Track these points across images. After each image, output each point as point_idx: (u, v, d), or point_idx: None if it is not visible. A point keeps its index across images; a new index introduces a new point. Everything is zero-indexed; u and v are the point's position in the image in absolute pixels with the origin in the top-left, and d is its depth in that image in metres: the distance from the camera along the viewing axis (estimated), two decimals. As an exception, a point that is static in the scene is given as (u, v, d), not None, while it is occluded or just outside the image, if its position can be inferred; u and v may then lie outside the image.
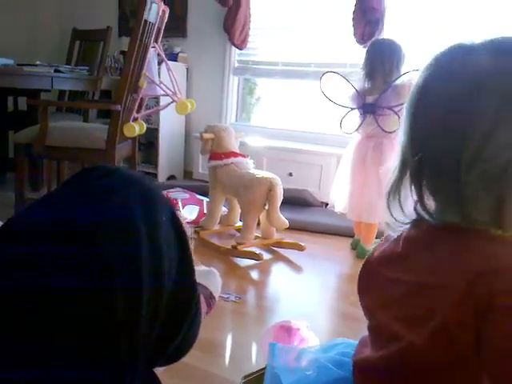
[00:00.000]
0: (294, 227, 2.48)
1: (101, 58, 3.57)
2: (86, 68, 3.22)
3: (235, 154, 2.43)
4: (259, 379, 0.90)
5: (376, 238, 2.34)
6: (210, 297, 0.92)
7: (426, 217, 0.60)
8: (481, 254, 0.55)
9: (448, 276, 0.56)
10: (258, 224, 2.34)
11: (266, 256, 2.28)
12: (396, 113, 2.06)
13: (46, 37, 4.14)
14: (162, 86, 2.59)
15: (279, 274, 2.16)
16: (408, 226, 0.65)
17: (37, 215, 0.51)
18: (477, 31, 2.75)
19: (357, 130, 2.22)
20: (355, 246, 2.42)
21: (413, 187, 0.61)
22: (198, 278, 0.95)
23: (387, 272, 0.66)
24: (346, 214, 2.31)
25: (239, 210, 2.44)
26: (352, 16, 2.97)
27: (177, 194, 2.80)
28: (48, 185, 3.11)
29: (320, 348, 0.82)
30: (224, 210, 2.59)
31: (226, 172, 2.37)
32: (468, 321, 0.53)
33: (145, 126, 2.68)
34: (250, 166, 2.41)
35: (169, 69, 2.62)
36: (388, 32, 2.96)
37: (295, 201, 3.01)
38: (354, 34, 2.98)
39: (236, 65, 3.70)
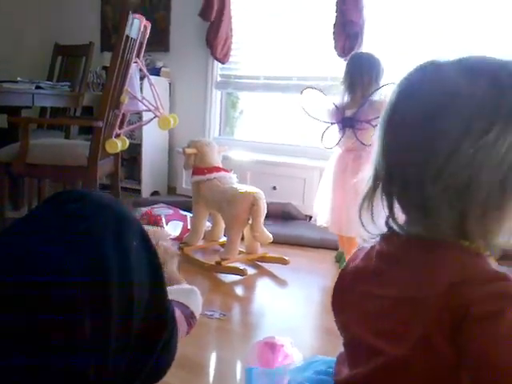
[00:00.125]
0: (278, 241, 2.47)
1: (83, 74, 3.56)
2: (68, 84, 3.20)
3: (218, 169, 2.43)
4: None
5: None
6: (190, 316, 0.91)
7: (397, 230, 0.61)
8: (453, 266, 0.56)
9: (423, 289, 0.57)
10: (242, 239, 2.33)
11: (251, 271, 2.27)
12: (373, 126, 2.09)
13: (27, 52, 4.11)
14: (144, 101, 2.59)
15: (264, 289, 2.15)
16: (379, 238, 0.66)
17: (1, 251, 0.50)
18: (453, 44, 2.82)
19: (337, 144, 2.24)
20: (339, 259, 2.42)
21: (384, 201, 0.63)
22: (179, 297, 0.94)
23: (362, 287, 0.66)
24: (328, 228, 2.32)
25: (223, 225, 2.43)
26: (332, 30, 3.01)
27: (160, 210, 2.78)
28: (29, 203, 3.07)
29: (297, 368, 0.82)
30: (208, 225, 2.58)
31: (210, 187, 2.37)
32: (447, 332, 0.53)
33: (127, 141, 2.67)
34: (233, 180, 2.41)
35: (151, 84, 2.62)
36: (368, 45, 3.01)
37: (279, 214, 3.01)
38: (335, 48, 3.02)
39: (218, 79, 3.72)
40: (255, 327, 1.76)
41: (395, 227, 0.61)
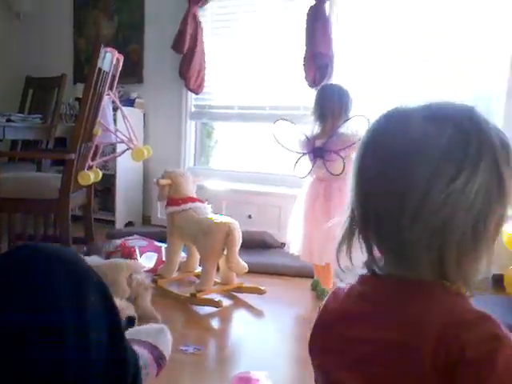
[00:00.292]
0: (254, 270, 2.46)
1: (55, 106, 3.54)
2: (40, 116, 3.17)
3: (193, 199, 2.42)
4: None
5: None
6: (159, 357, 0.89)
7: (378, 272, 0.62)
8: (441, 308, 0.57)
9: (413, 333, 0.56)
10: (218, 269, 2.31)
11: (226, 302, 2.24)
12: (341, 157, 2.13)
13: (-2, 85, 4.08)
14: (117, 133, 2.59)
15: (239, 320, 2.12)
16: (358, 279, 0.66)
17: None
18: (420, 79, 2.92)
19: (309, 173, 2.27)
20: (315, 287, 2.42)
21: (362, 244, 0.64)
22: (148, 337, 0.92)
23: (346, 331, 0.64)
24: (300, 256, 2.33)
25: (198, 256, 2.41)
26: (303, 61, 3.08)
27: (134, 242, 2.74)
28: (-1, 236, 2.98)
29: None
30: (183, 255, 2.55)
31: (184, 218, 2.35)
32: (440, 376, 0.53)
33: (100, 173, 2.65)
34: (207, 210, 2.40)
35: (124, 116, 2.62)
36: (337, 76, 3.09)
37: (255, 243, 3.00)
38: (306, 78, 3.09)
39: (193, 109, 3.75)
40: (231, 361, 1.73)
41: (376, 270, 0.62)
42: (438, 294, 0.58)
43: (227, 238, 2.18)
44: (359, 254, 0.65)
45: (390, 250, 0.61)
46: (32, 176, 2.76)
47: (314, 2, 3.03)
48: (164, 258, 2.60)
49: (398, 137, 0.59)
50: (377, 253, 0.63)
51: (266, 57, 3.39)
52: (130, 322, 1.89)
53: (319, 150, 2.20)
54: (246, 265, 2.23)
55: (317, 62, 3.01)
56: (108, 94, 2.51)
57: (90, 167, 2.58)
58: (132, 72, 3.74)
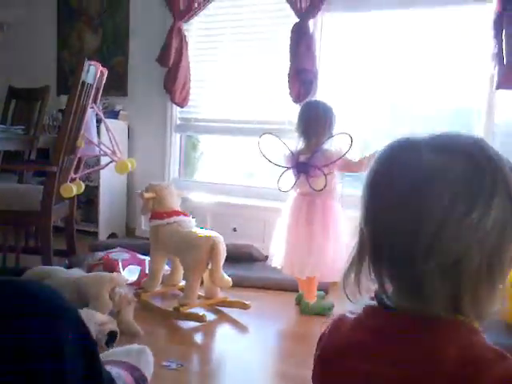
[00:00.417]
0: (238, 284, 2.44)
1: (38, 117, 3.50)
2: (22, 127, 3.13)
3: (177, 213, 2.41)
4: None
5: (318, 290, 2.37)
6: (140, 378, 0.87)
7: (390, 304, 0.61)
8: (460, 344, 0.56)
9: (430, 367, 0.55)
10: (202, 283, 2.30)
11: (210, 316, 2.22)
12: (324, 173, 2.15)
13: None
14: (101, 146, 2.57)
15: (223, 335, 2.11)
16: (365, 310, 0.64)
17: None
18: (404, 93, 2.97)
19: (292, 188, 2.29)
20: (299, 301, 2.42)
21: (372, 275, 0.62)
22: (129, 358, 0.91)
23: (355, 364, 0.62)
24: (282, 270, 2.33)
25: (182, 270, 2.39)
26: (287, 77, 3.12)
27: (117, 255, 2.71)
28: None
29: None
30: (167, 268, 2.53)
31: (169, 231, 2.33)
32: None
33: (83, 186, 2.62)
34: (192, 224, 2.39)
35: (107, 128, 2.61)
36: (321, 92, 3.13)
37: (240, 256, 2.99)
38: (290, 94, 3.12)
39: (178, 122, 3.75)
40: (213, 378, 1.71)
41: (387, 302, 0.61)
42: (454, 329, 0.57)
43: (211, 252, 2.17)
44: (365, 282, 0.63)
45: (403, 283, 0.59)
46: (13, 187, 2.72)
47: (298, 20, 3.08)
48: (147, 271, 2.57)
49: (410, 168, 0.58)
50: (387, 284, 0.61)
51: (250, 71, 3.41)
52: (112, 336, 1.87)
53: (303, 165, 2.22)
54: (230, 279, 2.22)
55: (301, 78, 3.04)
56: (92, 107, 2.50)
57: (73, 179, 2.56)
58: (116, 84, 3.73)
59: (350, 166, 2.24)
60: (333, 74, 3.17)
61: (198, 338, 2.07)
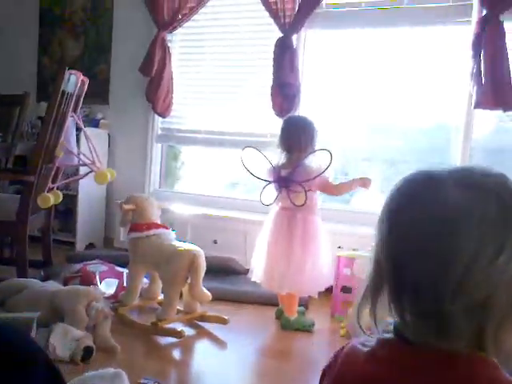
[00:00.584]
0: (218, 297, 2.42)
1: (17, 124, 3.43)
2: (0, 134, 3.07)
3: (157, 225, 2.37)
4: None
5: (299, 305, 2.36)
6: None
7: (410, 338, 0.60)
8: (488, 378, 0.55)
9: None
10: (180, 296, 2.26)
11: (189, 332, 2.19)
12: (304, 188, 2.15)
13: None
14: (80, 155, 2.53)
15: (202, 351, 2.08)
16: (381, 342, 0.63)
17: None
18: (387, 110, 3.01)
19: (274, 201, 2.29)
20: (279, 316, 2.41)
21: (392, 305, 0.61)
22: (103, 383, 0.88)
23: None
24: (261, 283, 2.32)
25: (161, 283, 2.35)
26: (270, 90, 3.12)
27: (95, 267, 2.66)
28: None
29: None
30: (145, 281, 2.49)
31: (148, 244, 2.30)
32: None
33: (61, 195, 2.57)
34: (172, 237, 2.36)
35: (87, 138, 2.57)
36: (304, 106, 3.15)
37: (220, 269, 2.97)
38: (273, 107, 3.13)
39: (159, 132, 3.72)
40: (192, 395, 1.68)
41: (409, 336, 0.60)
42: (478, 366, 0.57)
43: (191, 266, 2.15)
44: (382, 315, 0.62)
45: (427, 318, 0.58)
46: (-12, 197, 2.66)
47: (281, 34, 3.10)
48: (125, 284, 2.53)
49: (435, 206, 0.57)
50: (408, 318, 0.60)
51: (233, 84, 3.42)
52: (88, 352, 1.82)
53: (284, 180, 2.22)
54: (209, 294, 2.19)
55: (284, 92, 3.06)
56: (72, 116, 2.46)
57: (51, 189, 2.50)
58: (98, 93, 3.69)
59: (328, 188, 2.25)
60: (315, 88, 3.20)
61: (176, 354, 2.03)
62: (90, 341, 1.88)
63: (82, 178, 2.89)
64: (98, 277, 2.56)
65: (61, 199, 2.60)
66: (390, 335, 0.62)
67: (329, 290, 2.39)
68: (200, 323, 2.29)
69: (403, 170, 3.38)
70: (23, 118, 3.46)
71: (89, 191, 3.57)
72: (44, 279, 2.49)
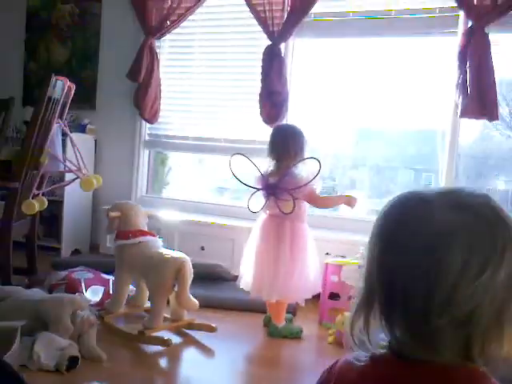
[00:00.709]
0: (206, 304, 2.41)
1: (2, 128, 3.39)
2: (-17, 139, 3.02)
3: (143, 233, 2.35)
4: None
5: (286, 312, 2.36)
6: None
7: (402, 353, 0.62)
8: None
9: None
10: (168, 303, 2.24)
11: (176, 340, 2.17)
12: (292, 196, 2.16)
13: None
14: (66, 162, 2.50)
15: (189, 360, 2.06)
16: (374, 358, 0.65)
17: None
18: (374, 116, 3.04)
19: (262, 209, 2.29)
20: (267, 323, 2.40)
21: (383, 322, 0.64)
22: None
23: None
24: (250, 291, 2.32)
25: (148, 291, 2.33)
26: (259, 97, 3.13)
27: (80, 274, 2.63)
28: None
29: None
30: (132, 288, 2.46)
31: (134, 252, 2.27)
32: None
33: (46, 202, 2.54)
34: (158, 244, 2.34)
35: (73, 144, 2.54)
36: (292, 114, 3.16)
37: (208, 276, 2.96)
38: (261, 114, 3.13)
39: (147, 138, 3.70)
40: (179, 405, 1.67)
41: (400, 351, 0.62)
42: (469, 377, 0.60)
43: (178, 274, 2.13)
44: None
45: (415, 334, 0.61)
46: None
47: (270, 42, 3.11)
48: (111, 292, 2.50)
49: (424, 226, 0.60)
50: (398, 332, 0.63)
51: (221, 90, 3.41)
52: (73, 362, 1.80)
53: (272, 188, 2.22)
54: (196, 302, 2.18)
55: (272, 100, 3.07)
56: (58, 122, 2.43)
57: (36, 196, 2.47)
58: (85, 98, 3.67)
59: (314, 199, 2.26)
60: (303, 96, 3.21)
61: (163, 362, 2.01)
62: (76, 350, 1.86)
63: (67, 185, 2.86)
64: (83, 284, 2.53)
65: (46, 205, 2.57)
66: (383, 351, 0.64)
67: (316, 296, 2.39)
68: (187, 331, 2.28)
69: (391, 175, 3.42)
70: (8, 122, 3.41)
71: (75, 197, 3.53)
72: (28, 287, 2.45)
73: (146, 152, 3.74)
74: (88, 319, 1.98)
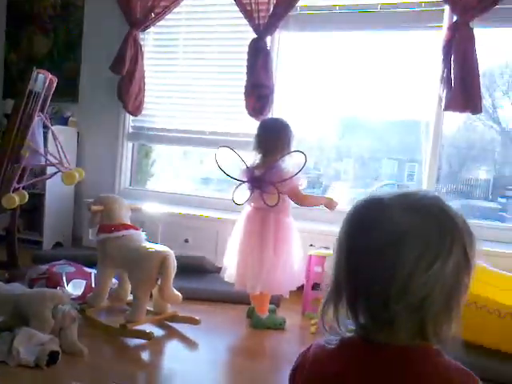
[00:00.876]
0: (189, 296, 2.41)
1: (-19, 121, 3.34)
2: (-38, 131, 2.97)
3: (126, 226, 2.34)
4: None
5: (270, 303, 2.38)
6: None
7: (367, 337, 0.70)
8: (436, 370, 0.67)
9: None
10: (150, 297, 2.24)
11: (159, 333, 2.18)
12: (277, 189, 2.16)
13: None
14: (47, 155, 2.47)
15: (172, 353, 2.06)
16: (343, 341, 0.73)
17: None
18: (359, 108, 3.05)
19: (247, 201, 2.29)
20: (251, 314, 2.41)
21: (349, 311, 0.72)
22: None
23: None
24: (234, 284, 2.32)
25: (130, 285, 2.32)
26: (244, 90, 3.12)
27: (61, 268, 2.60)
28: None
29: None
30: (114, 281, 2.45)
31: (117, 245, 2.26)
32: None
33: (26, 196, 2.52)
34: (142, 238, 2.33)
35: (55, 138, 2.51)
36: (277, 107, 3.16)
37: (192, 268, 2.96)
38: (246, 107, 3.12)
39: (130, 130, 3.67)
40: (161, 398, 1.67)
41: (364, 335, 0.71)
42: (422, 356, 0.68)
43: (161, 268, 2.13)
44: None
45: (376, 319, 0.70)
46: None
47: (256, 35, 3.09)
48: (93, 285, 2.48)
49: (384, 226, 0.68)
50: (362, 319, 0.71)
51: (207, 83, 3.39)
52: (54, 357, 1.79)
53: (257, 181, 2.22)
54: (179, 295, 2.18)
55: (257, 93, 3.06)
56: (39, 115, 2.40)
57: (16, 189, 2.44)
58: (67, 90, 3.61)
59: (297, 196, 2.26)
60: (288, 89, 3.21)
61: (146, 356, 2.01)
62: (56, 345, 1.85)
63: (49, 178, 2.83)
64: (64, 278, 2.51)
65: (26, 199, 2.54)
66: (351, 334, 0.73)
67: (300, 287, 2.41)
68: (170, 324, 2.28)
69: (375, 166, 3.44)
70: (-12, 115, 3.37)
71: (56, 189, 3.48)
72: (8, 281, 2.43)
73: (130, 144, 3.71)
74: (69, 314, 1.96)
